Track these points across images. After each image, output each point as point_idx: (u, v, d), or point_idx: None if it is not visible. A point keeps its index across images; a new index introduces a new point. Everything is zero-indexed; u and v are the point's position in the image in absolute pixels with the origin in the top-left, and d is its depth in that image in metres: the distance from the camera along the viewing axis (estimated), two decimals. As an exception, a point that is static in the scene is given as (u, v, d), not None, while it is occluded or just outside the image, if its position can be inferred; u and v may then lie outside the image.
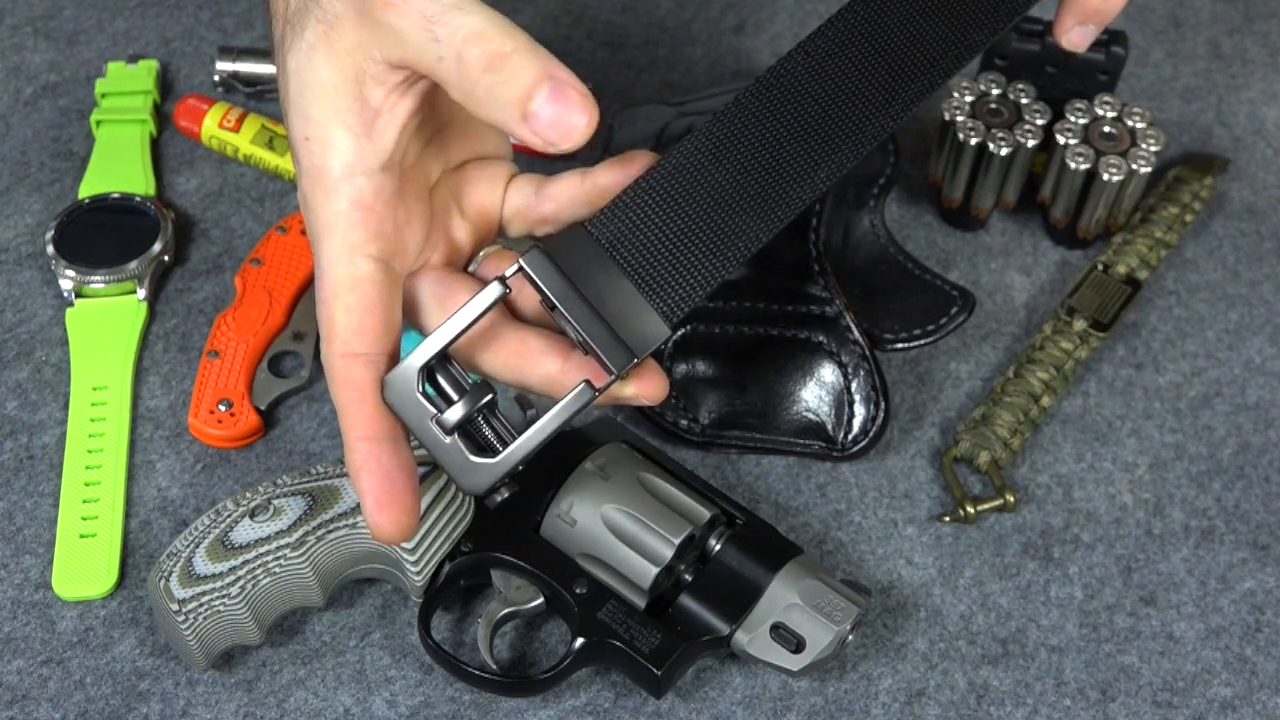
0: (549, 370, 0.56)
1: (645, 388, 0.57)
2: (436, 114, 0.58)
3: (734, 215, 0.56)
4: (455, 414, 0.55)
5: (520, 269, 0.54)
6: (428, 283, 0.58)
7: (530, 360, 0.56)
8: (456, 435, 0.55)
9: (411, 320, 0.58)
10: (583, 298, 0.54)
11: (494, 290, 0.55)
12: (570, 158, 0.84)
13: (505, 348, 0.57)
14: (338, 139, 0.54)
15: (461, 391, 0.55)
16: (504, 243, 0.62)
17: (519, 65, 0.51)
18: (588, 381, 0.55)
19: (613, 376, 0.55)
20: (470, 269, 0.60)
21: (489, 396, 0.55)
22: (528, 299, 0.57)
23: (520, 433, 0.56)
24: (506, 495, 0.62)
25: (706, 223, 0.56)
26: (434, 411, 0.55)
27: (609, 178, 0.58)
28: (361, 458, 0.54)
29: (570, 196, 0.58)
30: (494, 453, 0.55)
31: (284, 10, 0.56)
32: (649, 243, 0.55)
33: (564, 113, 0.51)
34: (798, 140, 0.56)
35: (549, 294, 0.54)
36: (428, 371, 0.55)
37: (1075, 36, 0.61)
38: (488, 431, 0.56)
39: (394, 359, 0.56)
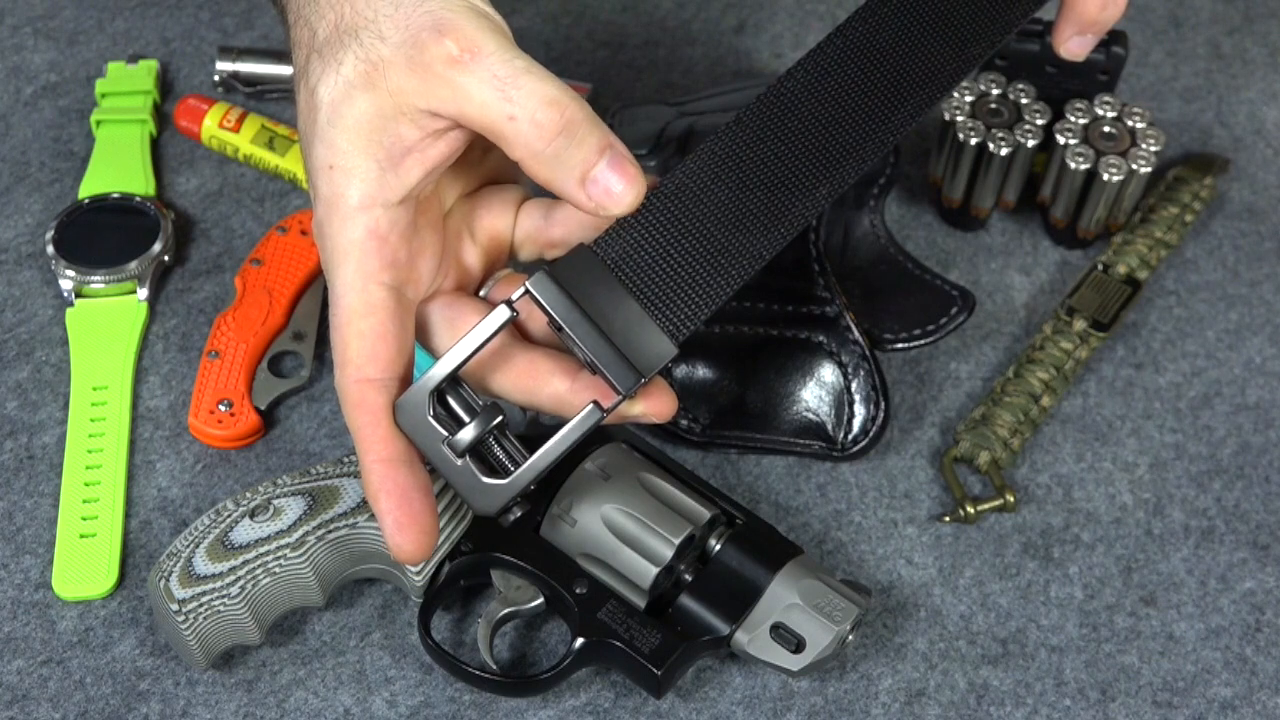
0: (558, 390, 0.57)
1: (653, 406, 0.58)
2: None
3: (737, 233, 0.56)
4: (467, 436, 0.55)
5: (526, 291, 0.55)
6: (439, 307, 0.58)
7: (540, 381, 0.57)
8: (468, 457, 0.56)
9: (423, 343, 0.59)
10: (589, 319, 0.55)
11: (501, 314, 0.55)
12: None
13: (515, 369, 0.58)
14: (362, 170, 0.54)
15: (473, 413, 0.56)
16: (515, 267, 0.62)
17: (587, 133, 0.54)
18: (596, 402, 0.55)
19: (620, 397, 0.55)
20: (481, 293, 0.61)
21: (499, 418, 0.56)
22: (536, 320, 0.58)
23: (525, 443, 0.56)
24: (519, 514, 0.62)
25: (710, 241, 0.56)
26: (445, 434, 0.55)
27: None
28: (379, 480, 0.55)
29: (579, 220, 0.59)
30: (505, 473, 0.56)
31: (309, 39, 0.56)
32: (654, 262, 0.56)
33: (618, 181, 0.54)
34: (799, 157, 0.57)
35: (555, 316, 0.55)
36: (439, 394, 0.56)
37: (1074, 46, 0.61)
38: (499, 452, 0.57)
39: (406, 383, 0.56)
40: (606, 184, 0.54)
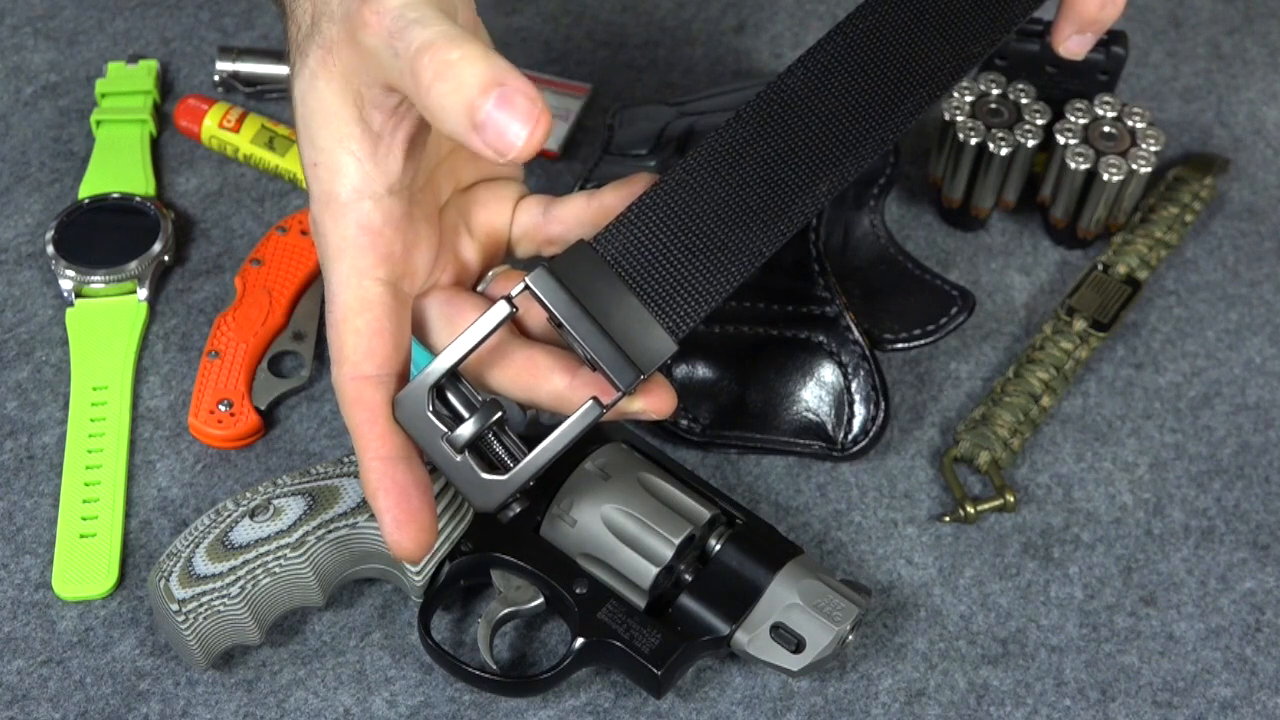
0: (557, 386, 0.57)
1: (653, 403, 0.57)
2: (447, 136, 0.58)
3: (737, 230, 0.56)
4: (466, 432, 0.55)
5: (526, 287, 0.55)
6: (436, 302, 0.58)
7: (539, 377, 0.57)
8: (467, 453, 0.56)
9: (421, 339, 0.59)
10: (589, 315, 0.55)
11: (501, 310, 0.55)
12: (572, 162, 0.84)
13: (514, 365, 0.57)
14: (344, 164, 0.54)
15: (472, 409, 0.56)
16: (513, 263, 0.62)
17: (466, 73, 0.48)
18: (595, 398, 0.55)
19: (620, 393, 0.55)
20: (479, 289, 0.61)
21: (499, 414, 0.56)
22: (535, 316, 0.58)
23: (525, 441, 0.56)
24: (518, 510, 0.62)
25: (710, 238, 0.56)
26: (444, 430, 0.55)
27: (615, 199, 0.58)
28: (377, 478, 0.55)
29: (577, 218, 0.58)
30: (504, 469, 0.56)
31: (295, 35, 0.56)
32: (654, 258, 0.56)
33: (509, 120, 0.48)
34: (799, 154, 0.57)
35: (555, 312, 0.55)
36: (438, 390, 0.56)
37: (1073, 45, 0.61)
38: (498, 448, 0.57)
39: (404, 379, 0.56)
40: (498, 126, 0.48)
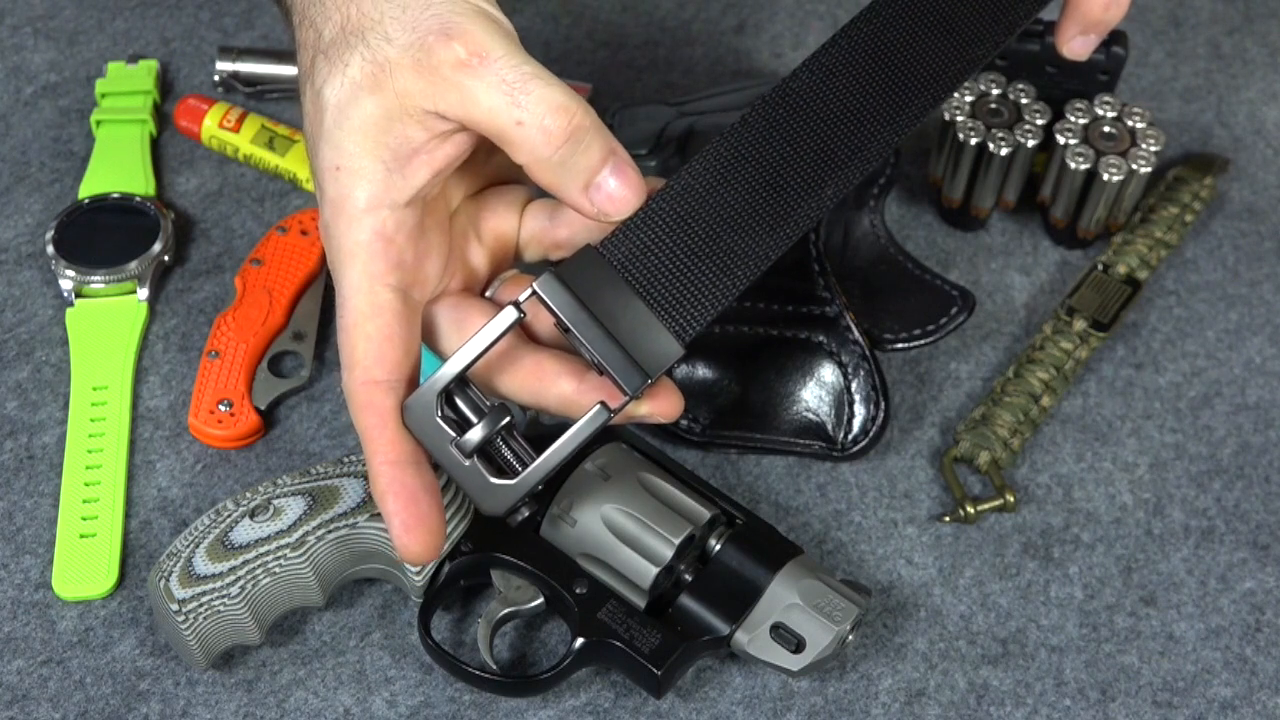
0: (565, 391, 0.57)
1: (660, 406, 0.58)
2: None
3: (742, 234, 0.56)
4: (475, 436, 0.56)
5: (534, 293, 0.55)
6: (445, 308, 0.59)
7: (546, 382, 0.57)
8: (476, 457, 0.56)
9: (430, 345, 0.59)
10: (596, 319, 0.55)
11: (509, 315, 0.55)
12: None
13: (521, 370, 0.58)
14: (369, 172, 0.55)
15: (480, 414, 0.56)
16: (522, 268, 0.62)
17: (594, 140, 0.55)
18: (603, 403, 0.55)
19: (628, 397, 0.55)
20: (488, 294, 0.61)
21: (507, 419, 0.56)
22: (543, 321, 0.58)
23: (530, 443, 0.57)
24: (526, 514, 0.62)
25: (715, 241, 0.56)
26: (453, 435, 0.56)
27: None
28: (386, 482, 0.55)
29: (584, 221, 0.59)
30: (513, 474, 0.56)
31: (314, 40, 0.56)
32: (660, 262, 0.56)
33: (621, 187, 0.55)
34: (804, 158, 0.57)
35: (562, 317, 0.55)
36: (446, 395, 0.56)
37: (1077, 45, 0.62)
38: (506, 453, 0.57)
39: (413, 384, 0.56)
40: (609, 190, 0.55)
